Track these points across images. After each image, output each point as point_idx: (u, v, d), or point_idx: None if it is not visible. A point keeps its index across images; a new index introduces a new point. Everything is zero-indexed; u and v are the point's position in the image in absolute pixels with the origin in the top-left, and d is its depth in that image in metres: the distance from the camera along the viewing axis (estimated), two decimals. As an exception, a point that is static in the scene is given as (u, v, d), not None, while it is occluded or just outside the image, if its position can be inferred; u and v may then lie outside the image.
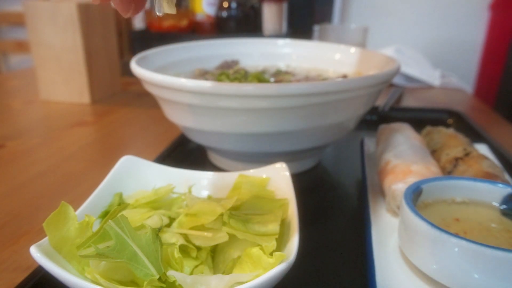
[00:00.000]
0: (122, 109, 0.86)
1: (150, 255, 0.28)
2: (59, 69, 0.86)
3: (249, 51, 0.70)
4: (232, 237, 0.32)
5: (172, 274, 0.27)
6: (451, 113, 0.78)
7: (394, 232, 0.40)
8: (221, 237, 0.32)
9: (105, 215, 0.36)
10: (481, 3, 1.91)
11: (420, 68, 1.11)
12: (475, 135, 0.64)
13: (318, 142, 0.50)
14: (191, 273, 0.31)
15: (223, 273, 0.31)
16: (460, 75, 1.25)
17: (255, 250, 0.29)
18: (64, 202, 0.30)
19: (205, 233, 0.32)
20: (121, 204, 0.37)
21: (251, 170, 0.42)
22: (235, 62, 0.68)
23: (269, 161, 0.43)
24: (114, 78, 0.97)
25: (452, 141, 0.51)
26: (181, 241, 0.32)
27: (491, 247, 0.29)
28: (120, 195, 0.39)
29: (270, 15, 1.14)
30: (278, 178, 0.40)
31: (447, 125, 0.69)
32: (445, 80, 1.11)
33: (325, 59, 0.67)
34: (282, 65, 0.69)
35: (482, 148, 0.57)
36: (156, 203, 0.38)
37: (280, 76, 0.63)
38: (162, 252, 0.29)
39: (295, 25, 1.35)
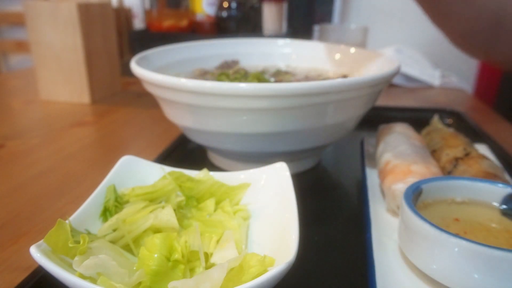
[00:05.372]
0: (122, 109, 0.86)
1: None
2: (59, 69, 0.86)
3: (249, 51, 0.70)
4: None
5: (173, 285, 0.27)
6: (451, 113, 0.78)
7: (394, 232, 0.40)
8: None
9: (104, 213, 0.36)
10: (481, 3, 1.90)
11: (420, 68, 1.11)
12: (475, 135, 0.64)
13: (318, 142, 0.50)
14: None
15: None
16: (460, 75, 1.25)
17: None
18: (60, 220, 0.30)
19: None
20: (117, 197, 0.38)
21: (251, 170, 0.42)
22: (235, 62, 0.68)
23: (269, 161, 0.43)
24: (114, 78, 0.97)
25: (452, 141, 0.51)
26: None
27: (491, 247, 0.29)
28: (114, 188, 0.38)
29: (270, 15, 1.14)
30: (278, 178, 0.40)
31: (447, 125, 0.69)
32: (445, 80, 1.11)
33: (325, 59, 0.67)
34: (282, 65, 0.69)
35: (482, 148, 0.57)
36: (153, 193, 0.38)
37: (280, 76, 0.63)
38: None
39: (295, 25, 1.35)
